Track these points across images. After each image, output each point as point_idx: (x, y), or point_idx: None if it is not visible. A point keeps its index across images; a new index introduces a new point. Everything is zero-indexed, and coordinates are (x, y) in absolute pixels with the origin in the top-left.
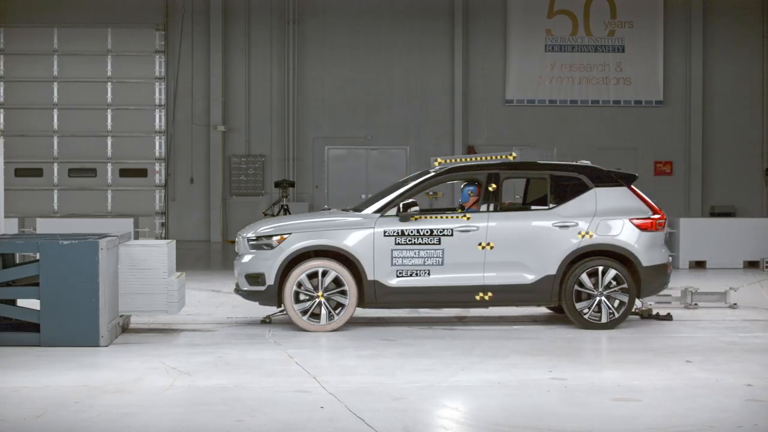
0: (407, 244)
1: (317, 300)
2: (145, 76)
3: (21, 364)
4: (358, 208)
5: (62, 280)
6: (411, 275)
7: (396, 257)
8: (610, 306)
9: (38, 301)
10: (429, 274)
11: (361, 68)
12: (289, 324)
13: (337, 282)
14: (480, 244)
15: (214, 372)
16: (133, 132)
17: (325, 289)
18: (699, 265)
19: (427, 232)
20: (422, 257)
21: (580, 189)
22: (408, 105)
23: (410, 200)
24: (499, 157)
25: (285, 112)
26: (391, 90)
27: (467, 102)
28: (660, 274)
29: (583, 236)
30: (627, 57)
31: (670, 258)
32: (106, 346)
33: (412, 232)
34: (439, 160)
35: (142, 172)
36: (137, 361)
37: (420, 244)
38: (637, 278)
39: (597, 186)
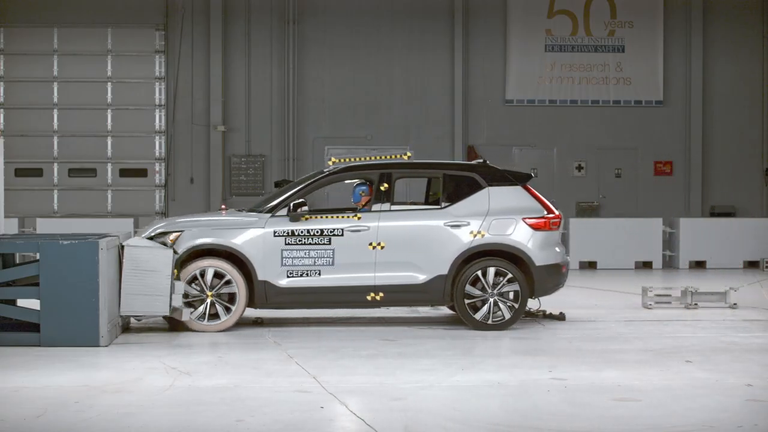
0: (297, 244)
1: (207, 299)
2: (145, 76)
3: (21, 364)
4: (254, 209)
5: (62, 280)
6: (301, 275)
7: (286, 257)
8: (502, 306)
9: (38, 301)
10: (319, 274)
11: (361, 68)
12: (289, 324)
13: (228, 282)
14: (371, 244)
15: (214, 372)
16: (133, 132)
17: (215, 289)
18: (699, 265)
19: (317, 232)
20: (312, 257)
21: (473, 188)
22: (408, 105)
23: (300, 200)
24: (393, 156)
25: (285, 112)
26: (391, 90)
27: (467, 102)
28: (554, 274)
29: (474, 236)
30: (627, 57)
31: (567, 257)
32: (106, 346)
33: (302, 232)
34: (333, 159)
35: (142, 172)
36: (137, 361)
37: (310, 244)
38: (531, 278)
39: (490, 185)
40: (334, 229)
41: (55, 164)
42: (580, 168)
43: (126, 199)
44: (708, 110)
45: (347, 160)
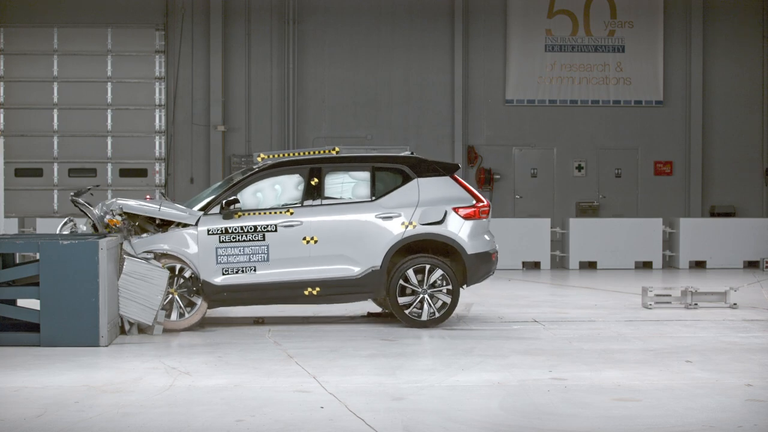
0: (231, 241)
1: (170, 297)
2: (145, 76)
3: (21, 364)
4: (191, 205)
5: (62, 280)
6: (237, 272)
7: (221, 255)
8: (432, 305)
9: (38, 301)
10: (255, 270)
11: (361, 68)
12: (289, 324)
13: (193, 278)
14: (304, 238)
15: (214, 372)
16: (133, 132)
17: (178, 286)
18: (699, 265)
19: (250, 228)
20: (247, 254)
21: (402, 180)
22: (408, 105)
23: (232, 197)
24: (323, 151)
25: (285, 112)
26: (391, 90)
27: (467, 102)
28: (485, 262)
29: (406, 227)
30: (627, 57)
31: (496, 245)
32: (106, 346)
33: (235, 229)
34: (261, 156)
35: (142, 172)
36: (137, 361)
37: (244, 240)
38: (463, 267)
39: (419, 176)
40: (267, 226)
41: (55, 164)
42: (580, 168)
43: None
44: (708, 110)
45: (276, 156)
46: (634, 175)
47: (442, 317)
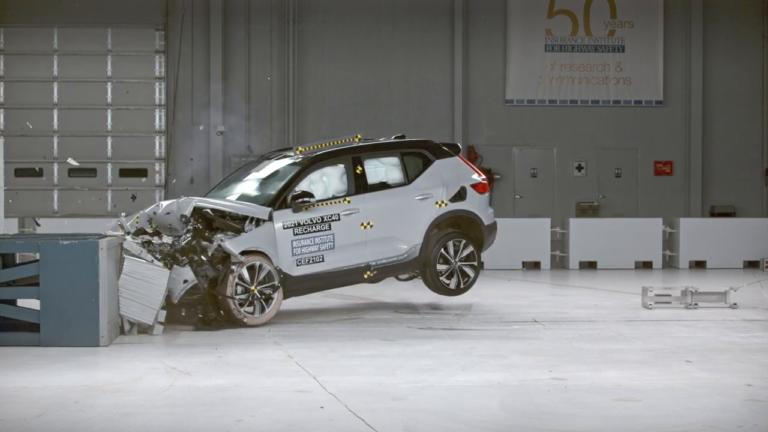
0: (304, 233)
1: (252, 293)
2: (145, 76)
3: (21, 364)
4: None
5: (62, 280)
6: (309, 263)
7: (296, 247)
8: (462, 273)
9: (38, 301)
10: (323, 258)
11: (361, 68)
12: (289, 324)
13: (270, 275)
14: (362, 224)
15: (214, 372)
16: (133, 132)
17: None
18: (699, 265)
19: (318, 219)
20: (317, 244)
21: (425, 163)
22: (408, 105)
23: (299, 191)
24: (347, 140)
25: (285, 112)
26: (391, 90)
27: (467, 102)
28: (494, 231)
29: (440, 205)
30: (627, 57)
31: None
32: (106, 346)
33: (306, 221)
34: (300, 149)
35: (142, 172)
36: (137, 361)
37: (314, 231)
38: (480, 237)
39: (438, 158)
40: (332, 215)
41: (55, 164)
42: (580, 168)
43: (126, 199)
44: (708, 110)
45: (314, 147)
46: (634, 175)
47: (466, 287)
